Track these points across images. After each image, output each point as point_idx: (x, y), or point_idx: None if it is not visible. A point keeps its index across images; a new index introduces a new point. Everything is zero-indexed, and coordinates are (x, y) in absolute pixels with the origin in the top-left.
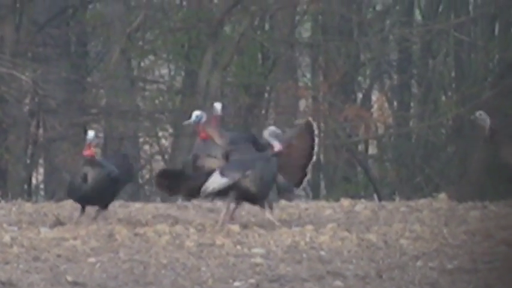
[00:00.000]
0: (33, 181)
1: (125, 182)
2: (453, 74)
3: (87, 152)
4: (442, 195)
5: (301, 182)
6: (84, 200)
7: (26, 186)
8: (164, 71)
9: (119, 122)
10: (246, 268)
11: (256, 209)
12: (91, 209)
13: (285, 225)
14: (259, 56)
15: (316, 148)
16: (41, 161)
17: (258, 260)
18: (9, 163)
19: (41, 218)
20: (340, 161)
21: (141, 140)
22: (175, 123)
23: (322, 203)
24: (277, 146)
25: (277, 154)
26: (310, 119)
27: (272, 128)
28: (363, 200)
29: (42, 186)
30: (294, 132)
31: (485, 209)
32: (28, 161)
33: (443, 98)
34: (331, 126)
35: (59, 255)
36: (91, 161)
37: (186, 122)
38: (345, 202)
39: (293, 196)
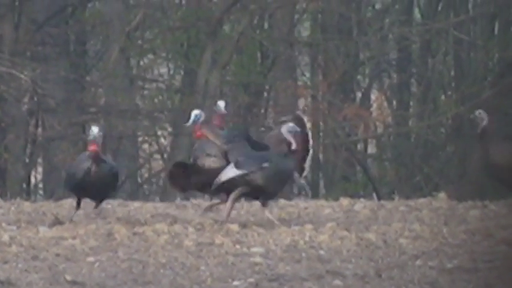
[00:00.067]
0: (32, 180)
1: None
2: (453, 73)
3: (91, 148)
4: (442, 195)
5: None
6: (83, 191)
7: (24, 186)
8: (163, 69)
9: (118, 121)
10: (245, 267)
11: (255, 208)
12: (89, 208)
13: (284, 225)
14: (259, 54)
15: (311, 141)
16: (39, 160)
17: (257, 259)
18: (8, 162)
19: (39, 217)
20: (339, 160)
21: (140, 138)
22: (175, 122)
23: (322, 202)
24: (294, 144)
25: (295, 152)
26: (298, 112)
27: (291, 124)
28: (362, 199)
29: (41, 185)
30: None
31: (485, 208)
32: (27, 160)
33: (443, 97)
34: (330, 125)
35: (57, 255)
36: (95, 157)
37: (187, 124)
38: (344, 201)
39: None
